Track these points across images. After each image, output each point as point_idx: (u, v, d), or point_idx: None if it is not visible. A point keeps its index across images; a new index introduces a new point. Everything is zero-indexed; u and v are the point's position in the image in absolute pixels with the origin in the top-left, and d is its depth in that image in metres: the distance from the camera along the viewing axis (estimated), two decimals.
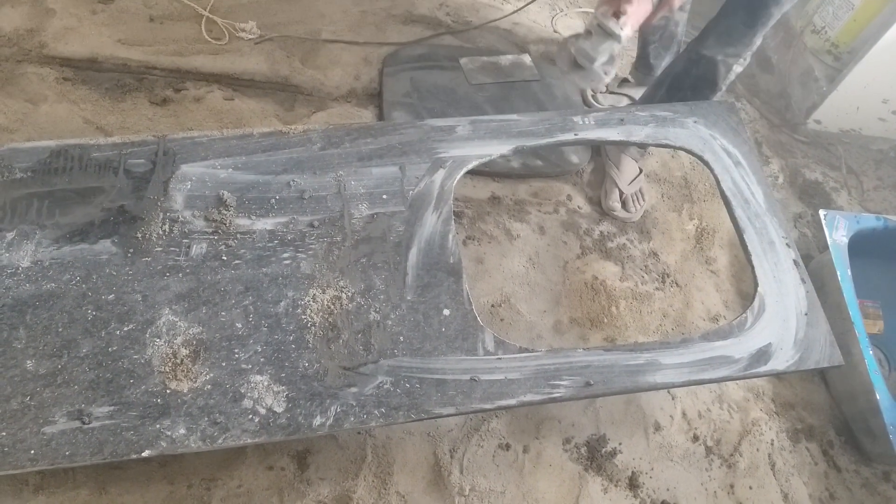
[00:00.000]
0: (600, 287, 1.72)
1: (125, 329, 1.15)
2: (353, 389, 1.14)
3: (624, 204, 1.86)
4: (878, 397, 1.51)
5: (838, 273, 1.66)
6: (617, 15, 1.36)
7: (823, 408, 1.69)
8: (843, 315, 1.63)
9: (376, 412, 1.13)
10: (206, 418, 1.09)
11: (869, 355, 1.57)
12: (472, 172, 1.46)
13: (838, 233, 1.75)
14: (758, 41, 1.59)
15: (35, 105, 1.70)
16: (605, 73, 1.47)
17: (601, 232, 1.83)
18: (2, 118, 1.65)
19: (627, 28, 1.38)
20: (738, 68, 1.66)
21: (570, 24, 2.35)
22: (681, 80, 1.72)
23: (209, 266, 1.23)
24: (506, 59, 2.05)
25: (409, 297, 1.25)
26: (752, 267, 1.39)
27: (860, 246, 1.76)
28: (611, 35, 1.39)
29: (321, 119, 1.86)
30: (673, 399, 1.60)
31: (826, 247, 1.76)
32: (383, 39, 2.06)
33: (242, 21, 1.94)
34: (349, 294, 1.24)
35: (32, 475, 1.23)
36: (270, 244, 1.27)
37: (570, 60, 1.46)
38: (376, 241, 1.30)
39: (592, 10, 1.82)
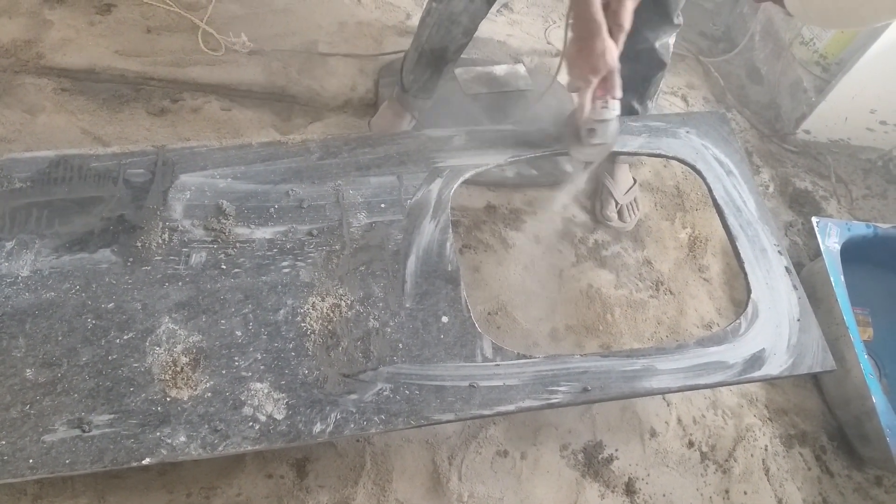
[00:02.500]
0: (595, 295, 1.73)
1: (125, 337, 1.16)
2: (353, 396, 1.15)
3: (619, 213, 1.88)
4: (873, 401, 1.53)
5: (832, 279, 1.68)
6: (607, 103, 1.37)
7: (816, 413, 1.71)
8: (836, 321, 1.65)
9: (376, 419, 1.14)
10: (207, 426, 1.09)
11: (864, 359, 1.59)
12: (468, 182, 1.47)
13: (831, 240, 1.77)
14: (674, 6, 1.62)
15: (33, 116, 1.70)
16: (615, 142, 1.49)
17: (596, 240, 1.85)
18: (0, 129, 1.66)
19: (618, 103, 1.39)
20: (672, 38, 1.69)
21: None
22: (630, 80, 1.74)
23: (209, 275, 1.24)
24: (500, 69, 2.08)
25: (407, 305, 1.26)
26: (745, 274, 1.41)
27: (850, 253, 1.78)
28: (610, 120, 1.40)
29: (318, 129, 1.87)
30: (668, 405, 1.61)
31: (817, 254, 1.78)
32: (379, 51, 2.08)
33: (236, 34, 1.95)
34: (348, 302, 1.25)
35: (31, 484, 1.23)
36: (269, 253, 1.28)
37: (578, 143, 1.46)
38: (375, 249, 1.32)
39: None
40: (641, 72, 1.72)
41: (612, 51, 1.28)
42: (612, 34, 1.28)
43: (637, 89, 1.74)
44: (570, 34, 1.32)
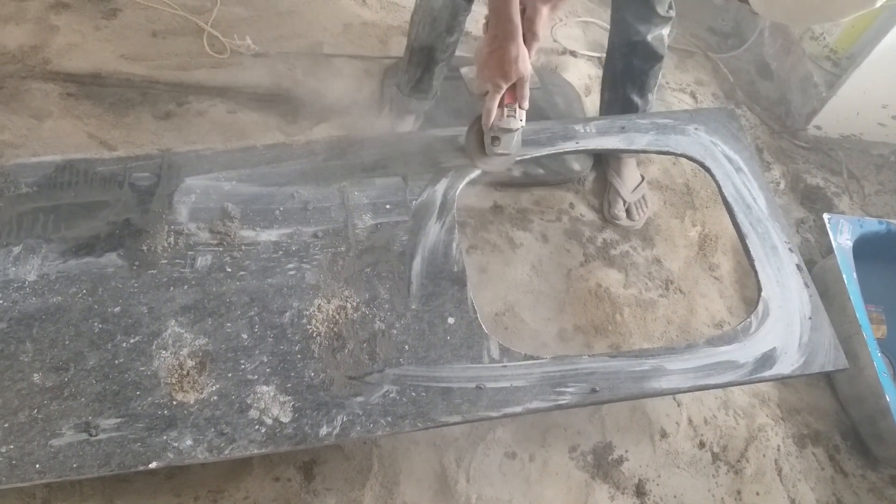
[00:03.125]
0: (604, 294, 1.72)
1: (131, 341, 1.16)
2: (359, 399, 1.15)
3: (627, 212, 1.86)
4: (888, 399, 1.51)
5: (844, 276, 1.65)
6: (514, 112, 1.33)
7: (829, 413, 1.69)
8: (849, 318, 1.63)
9: (382, 421, 1.13)
10: (213, 429, 1.09)
11: (878, 357, 1.57)
12: (474, 182, 1.46)
13: (843, 237, 1.75)
14: None
15: (40, 121, 1.71)
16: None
17: (604, 239, 1.84)
18: (7, 134, 1.66)
19: (524, 114, 1.35)
20: (666, 30, 1.68)
21: (571, 34, 2.36)
22: (628, 74, 1.74)
23: (214, 278, 1.24)
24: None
25: (413, 306, 1.25)
26: (756, 272, 1.40)
27: (862, 250, 1.76)
28: (515, 130, 1.36)
29: (324, 131, 1.87)
30: (679, 406, 1.59)
31: (829, 251, 1.76)
32: (385, 52, 2.08)
33: (241, 37, 1.95)
34: (354, 304, 1.24)
35: (40, 488, 1.23)
36: (275, 255, 1.28)
37: (480, 151, 1.42)
38: (380, 250, 1.31)
39: (594, 21, 1.82)
40: (638, 65, 1.71)
41: (525, 58, 1.24)
42: (526, 42, 1.24)
43: (636, 83, 1.74)
44: (483, 34, 1.27)
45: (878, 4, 0.77)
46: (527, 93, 1.31)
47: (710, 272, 1.86)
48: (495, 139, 1.36)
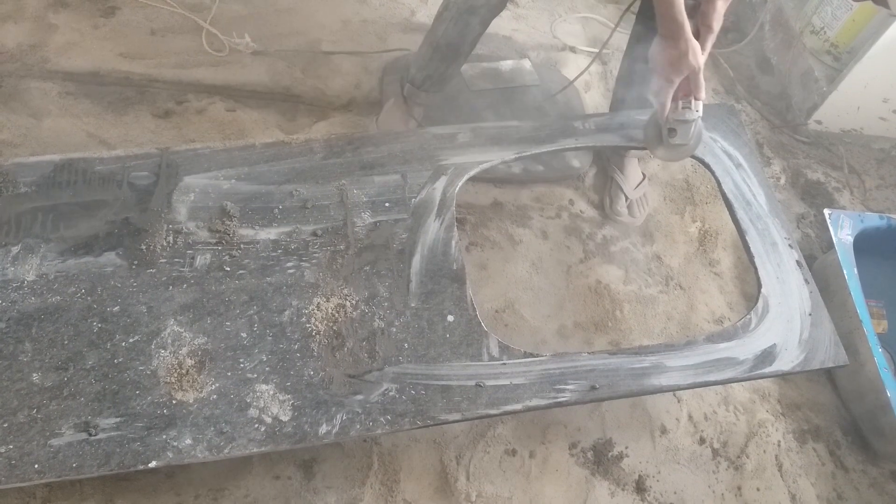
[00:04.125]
0: (604, 291, 1.72)
1: (130, 340, 1.16)
2: (359, 397, 1.15)
3: (629, 208, 1.86)
4: (888, 395, 1.51)
5: (845, 272, 1.65)
6: (689, 103, 1.37)
7: (829, 408, 1.69)
8: (849, 314, 1.63)
9: (382, 419, 1.13)
10: (213, 428, 1.09)
11: (878, 353, 1.56)
12: (474, 179, 1.46)
13: (843, 232, 1.75)
14: None
15: (38, 120, 1.71)
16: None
17: (604, 236, 1.84)
18: (6, 133, 1.66)
19: (701, 104, 1.39)
20: None
21: (570, 30, 2.36)
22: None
23: (213, 276, 1.24)
24: (506, 65, 2.06)
25: (413, 304, 1.25)
26: (755, 268, 1.39)
27: (863, 245, 1.75)
28: (692, 120, 1.40)
29: (323, 128, 1.87)
30: (679, 402, 1.59)
31: (830, 247, 1.76)
32: (384, 48, 2.07)
33: (240, 35, 1.95)
34: (353, 302, 1.24)
35: (40, 488, 1.23)
36: (274, 254, 1.28)
37: (659, 143, 1.46)
38: (379, 248, 1.31)
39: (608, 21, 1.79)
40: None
41: (696, 51, 1.28)
42: (701, 35, 1.29)
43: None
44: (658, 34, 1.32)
45: None
46: (701, 83, 1.34)
47: (711, 268, 1.86)
48: (672, 131, 1.40)
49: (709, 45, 1.32)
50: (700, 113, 1.39)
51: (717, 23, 1.30)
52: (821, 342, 1.32)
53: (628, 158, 1.90)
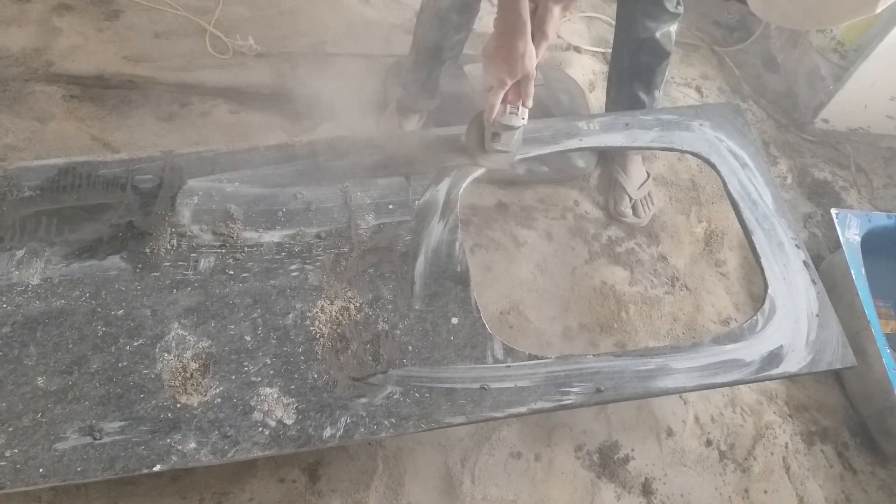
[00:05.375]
0: (609, 292, 1.71)
1: (135, 344, 1.15)
2: (363, 400, 1.14)
3: (633, 209, 1.85)
4: None
5: (852, 272, 1.64)
6: (517, 109, 1.31)
7: (837, 409, 1.67)
8: (857, 314, 1.61)
9: (386, 422, 1.13)
10: (217, 432, 1.09)
11: (886, 353, 1.55)
12: (478, 180, 1.45)
13: (850, 231, 1.73)
14: None
15: (43, 123, 1.72)
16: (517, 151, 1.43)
17: (609, 237, 1.83)
18: (11, 137, 1.67)
19: (527, 112, 1.33)
20: (674, 27, 1.66)
21: (574, 29, 2.35)
22: (635, 71, 1.73)
23: (217, 280, 1.24)
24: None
25: (417, 307, 1.25)
26: (762, 269, 1.38)
27: (871, 245, 1.74)
28: (517, 127, 1.34)
29: (326, 131, 1.86)
30: (685, 404, 1.58)
31: (837, 247, 1.74)
32: (388, 50, 2.07)
33: (243, 37, 1.95)
34: (357, 305, 1.24)
35: (45, 491, 1.24)
36: (278, 256, 1.28)
37: (480, 147, 1.41)
38: (383, 251, 1.30)
39: (598, 15, 1.80)
40: (645, 62, 1.70)
41: (532, 56, 1.23)
42: (535, 40, 1.23)
43: (643, 80, 1.73)
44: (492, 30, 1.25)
45: (879, 10, 0.76)
46: (531, 91, 1.30)
47: (717, 268, 1.85)
48: (496, 135, 1.35)
49: (542, 50, 1.25)
50: (525, 121, 1.33)
51: (553, 30, 1.24)
52: (828, 343, 1.31)
53: (631, 159, 1.89)
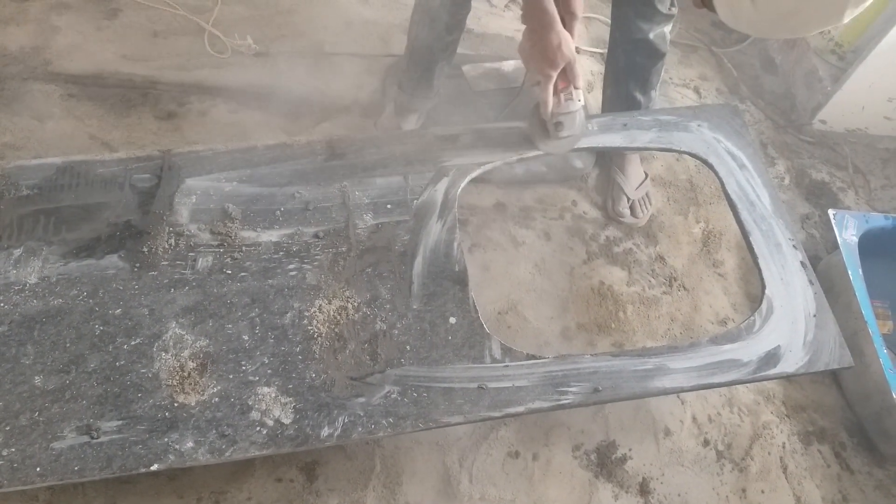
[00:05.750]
0: (607, 292, 1.71)
1: (132, 343, 1.15)
2: (361, 399, 1.14)
3: (631, 209, 1.85)
4: (894, 396, 1.50)
5: (850, 272, 1.64)
6: (570, 94, 1.34)
7: (835, 409, 1.68)
8: (854, 315, 1.62)
9: (384, 422, 1.13)
10: (214, 431, 1.09)
11: (884, 354, 1.55)
12: (476, 180, 1.46)
13: (848, 232, 1.74)
14: None
15: (41, 122, 1.71)
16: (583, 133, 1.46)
17: (607, 237, 1.83)
18: (9, 136, 1.67)
19: (581, 92, 1.35)
20: (668, 27, 1.66)
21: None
22: (630, 71, 1.73)
23: (215, 279, 1.24)
24: (508, 65, 2.05)
25: (415, 307, 1.25)
26: (759, 270, 1.38)
27: (868, 246, 1.74)
28: (576, 111, 1.36)
29: (325, 130, 1.86)
30: (682, 404, 1.59)
31: (834, 247, 1.75)
32: (386, 50, 2.07)
33: (242, 36, 1.95)
34: (355, 304, 1.24)
35: (42, 490, 1.24)
36: (276, 256, 1.28)
37: (546, 136, 1.43)
38: (381, 250, 1.30)
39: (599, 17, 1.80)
40: (640, 62, 1.70)
41: (567, 42, 1.24)
42: (566, 24, 1.25)
43: (638, 80, 1.73)
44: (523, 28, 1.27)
45: (846, 20, 0.76)
46: (578, 72, 1.32)
47: (714, 269, 1.85)
48: (559, 124, 1.37)
49: (575, 31, 1.27)
50: (582, 102, 1.36)
51: (580, 8, 1.27)
52: (825, 343, 1.31)
53: (629, 159, 1.89)
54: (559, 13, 1.23)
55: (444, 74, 1.76)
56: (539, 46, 1.24)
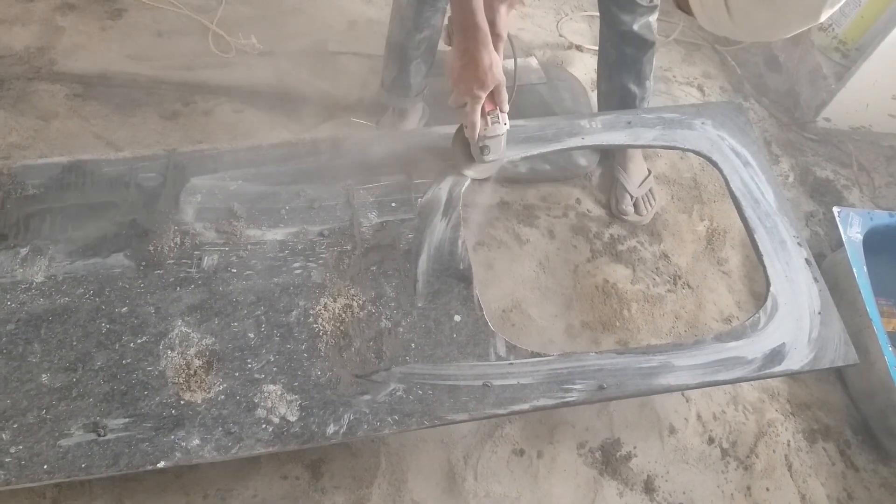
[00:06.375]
0: (611, 290, 1.71)
1: (139, 341, 1.16)
2: (366, 397, 1.15)
3: (635, 207, 1.85)
4: None
5: (854, 270, 1.64)
6: (497, 117, 1.31)
7: (839, 407, 1.67)
8: (859, 313, 1.61)
9: (389, 419, 1.13)
10: (220, 428, 1.09)
11: (889, 352, 1.55)
12: (480, 179, 1.46)
13: (853, 230, 1.73)
14: None
15: (46, 122, 1.72)
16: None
17: (611, 235, 1.83)
18: (14, 135, 1.67)
19: (506, 115, 1.32)
20: (653, 17, 1.66)
21: (576, 28, 2.35)
22: (622, 63, 1.73)
23: (221, 277, 1.24)
24: (512, 63, 2.05)
25: (419, 304, 1.25)
26: (764, 267, 1.39)
27: (873, 243, 1.74)
28: (502, 135, 1.34)
29: (329, 129, 1.87)
30: (687, 401, 1.59)
31: (839, 244, 1.74)
32: None
33: (246, 36, 1.96)
34: (360, 302, 1.24)
35: (49, 488, 1.24)
36: (281, 254, 1.28)
37: (469, 160, 1.40)
38: (386, 248, 1.31)
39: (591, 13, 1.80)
40: (630, 54, 1.70)
41: (498, 63, 1.22)
42: (493, 45, 1.22)
43: (631, 71, 1.74)
44: (452, 47, 1.23)
45: (823, 19, 0.77)
46: (505, 96, 1.29)
47: (719, 267, 1.85)
48: (485, 148, 1.34)
49: (501, 52, 1.24)
50: (507, 125, 1.32)
51: (505, 29, 1.24)
52: (830, 341, 1.31)
53: (632, 156, 1.89)
54: None
55: (421, 74, 1.74)
56: (470, 66, 1.20)
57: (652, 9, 1.62)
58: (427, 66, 1.74)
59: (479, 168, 1.41)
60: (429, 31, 1.63)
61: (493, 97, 1.29)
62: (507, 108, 1.31)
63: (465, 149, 1.39)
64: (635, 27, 1.64)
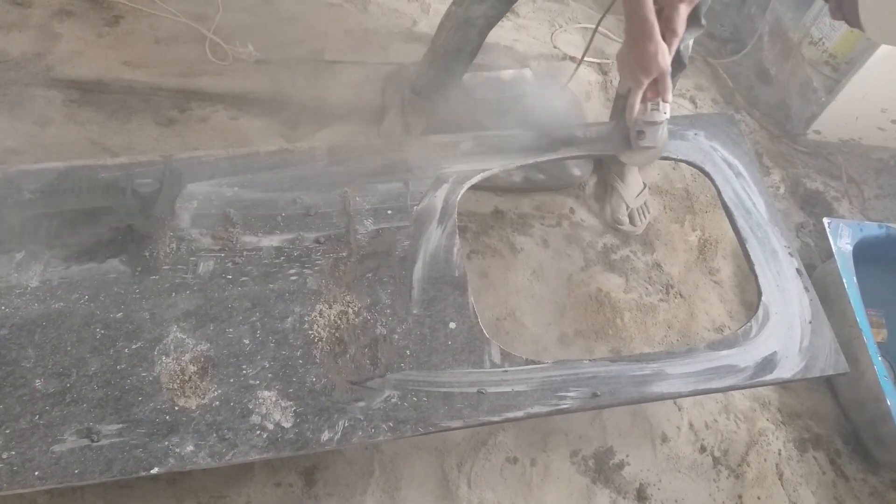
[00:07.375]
0: (605, 299, 1.72)
1: (133, 347, 1.16)
2: (361, 404, 1.15)
3: (630, 217, 1.87)
4: (889, 404, 1.51)
5: (844, 280, 1.66)
6: (657, 105, 1.37)
7: (830, 417, 1.69)
8: (849, 322, 1.63)
9: (384, 426, 1.13)
10: (215, 434, 1.09)
11: (878, 362, 1.57)
12: (475, 187, 1.47)
13: (842, 240, 1.75)
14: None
15: (42, 127, 1.72)
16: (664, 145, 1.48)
17: (604, 244, 1.84)
18: (10, 141, 1.67)
19: (669, 107, 1.39)
20: (691, 39, 1.67)
21: (570, 40, 2.37)
22: None
23: (216, 283, 1.24)
24: (507, 74, 2.07)
25: (415, 311, 1.26)
26: (756, 276, 1.40)
27: (862, 254, 1.76)
28: (660, 122, 1.40)
29: (325, 137, 1.88)
30: (679, 410, 1.59)
31: (829, 255, 1.76)
32: (386, 58, 2.09)
33: (243, 44, 1.96)
34: (355, 309, 1.25)
35: (41, 494, 1.24)
36: (277, 261, 1.28)
37: (627, 146, 1.46)
38: (382, 256, 1.31)
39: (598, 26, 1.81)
40: None
41: (664, 53, 1.29)
42: (666, 39, 1.29)
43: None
44: (623, 35, 1.31)
45: None
46: (669, 85, 1.34)
47: (711, 276, 1.86)
48: (640, 133, 1.40)
49: (674, 48, 1.32)
50: (668, 115, 1.39)
51: (681, 27, 1.31)
52: (821, 350, 1.32)
53: (629, 167, 1.91)
54: (661, 28, 1.27)
55: (457, 83, 1.79)
56: (636, 53, 1.29)
57: (701, 28, 1.62)
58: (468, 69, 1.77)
59: (635, 155, 1.45)
60: (484, 38, 1.65)
61: (656, 86, 1.34)
62: (669, 97, 1.36)
63: (625, 135, 1.43)
64: (680, 46, 1.64)
